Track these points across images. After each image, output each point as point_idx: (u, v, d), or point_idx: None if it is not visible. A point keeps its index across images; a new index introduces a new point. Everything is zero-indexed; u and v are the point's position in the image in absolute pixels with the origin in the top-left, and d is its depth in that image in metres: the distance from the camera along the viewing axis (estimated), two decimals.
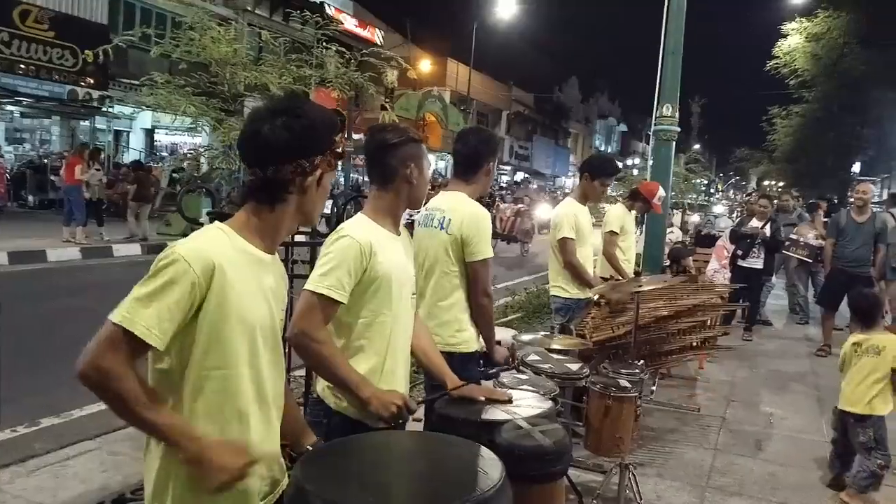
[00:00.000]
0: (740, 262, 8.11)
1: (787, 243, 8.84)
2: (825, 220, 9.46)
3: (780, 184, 36.76)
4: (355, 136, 20.74)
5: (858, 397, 3.99)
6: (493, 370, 3.18)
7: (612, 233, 5.56)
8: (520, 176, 45.96)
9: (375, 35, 28.33)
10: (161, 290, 1.45)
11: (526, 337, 4.18)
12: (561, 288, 4.74)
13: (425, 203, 3.24)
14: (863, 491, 3.91)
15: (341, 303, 2.11)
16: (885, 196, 25.31)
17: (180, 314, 1.47)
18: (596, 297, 4.72)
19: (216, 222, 1.64)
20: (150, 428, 1.49)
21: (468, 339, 3.02)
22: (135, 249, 12.30)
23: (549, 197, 28.73)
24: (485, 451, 1.74)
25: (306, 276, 2.24)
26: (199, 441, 1.49)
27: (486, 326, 3.07)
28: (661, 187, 6.11)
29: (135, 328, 1.42)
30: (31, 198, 16.87)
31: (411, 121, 25.28)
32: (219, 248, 1.55)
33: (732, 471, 4.34)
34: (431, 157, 31.37)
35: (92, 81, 17.41)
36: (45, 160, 17.56)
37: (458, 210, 2.98)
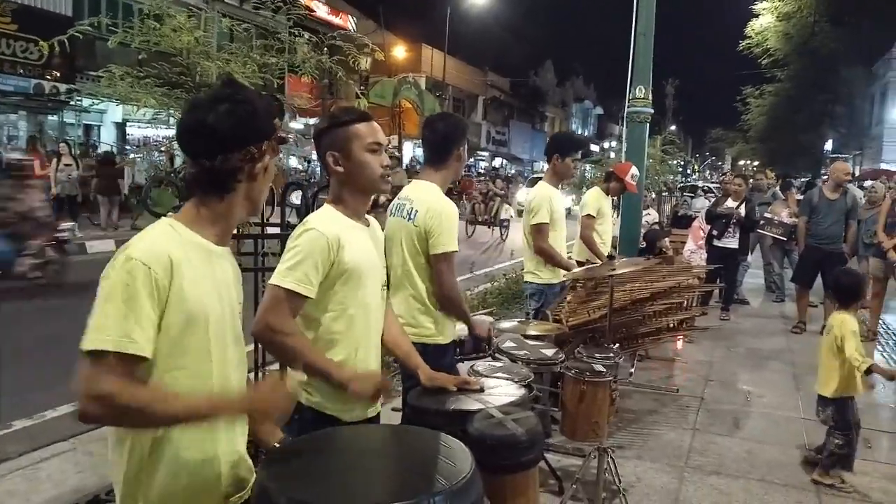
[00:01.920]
0: (715, 242, 8.16)
1: (761, 222, 8.92)
2: (798, 198, 9.54)
3: (755, 163, 37.12)
4: None
5: (823, 378, 4.02)
6: (469, 356, 3.18)
7: (589, 216, 5.55)
8: (498, 161, 45.92)
9: (348, 22, 28.02)
10: (131, 302, 1.41)
11: (504, 324, 4.17)
12: (533, 273, 4.71)
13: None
14: (828, 469, 3.94)
15: (308, 297, 2.06)
16: (857, 173, 25.73)
17: (157, 318, 1.44)
18: (570, 282, 4.71)
19: (164, 217, 1.60)
20: (175, 419, 1.46)
21: (442, 331, 2.99)
22: (109, 246, 12.06)
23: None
24: (454, 443, 1.71)
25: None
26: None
27: (460, 314, 3.04)
28: (633, 166, 6.10)
29: (124, 347, 1.39)
30: None
31: (387, 108, 25.10)
32: (170, 243, 1.51)
33: (711, 450, 4.38)
34: (408, 145, 31.25)
35: (58, 75, 17.03)
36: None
37: (423, 201, 2.92)
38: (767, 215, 9.03)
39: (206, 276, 1.56)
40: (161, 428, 1.49)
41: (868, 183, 10.53)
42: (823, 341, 4.07)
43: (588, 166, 10.22)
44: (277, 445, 1.76)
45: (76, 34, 3.45)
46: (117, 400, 1.36)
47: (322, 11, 25.78)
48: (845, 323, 3.90)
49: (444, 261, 2.89)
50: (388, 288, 2.48)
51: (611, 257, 5.62)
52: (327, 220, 2.16)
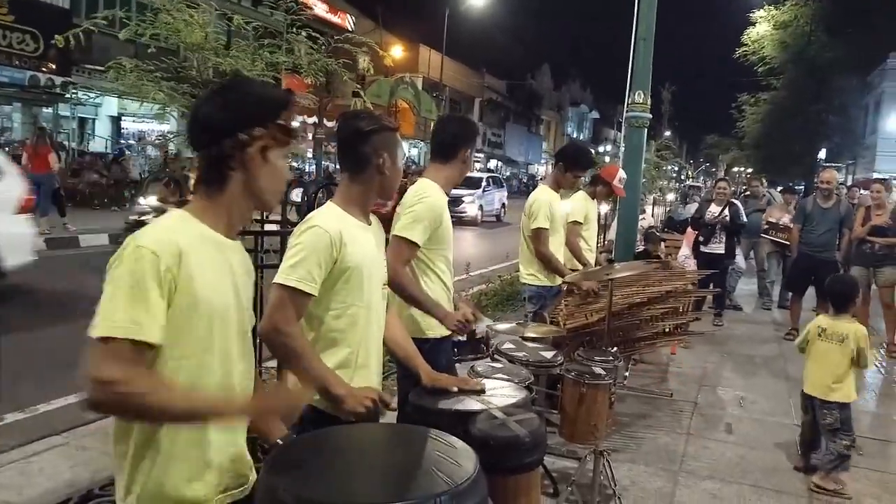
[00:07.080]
0: (703, 248, 8.20)
1: (765, 227, 8.94)
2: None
3: (749, 170, 37.25)
4: (328, 124, 20.46)
5: (824, 383, 4.05)
6: (468, 357, 3.18)
7: (576, 223, 5.28)
8: (493, 163, 45.97)
9: (346, 21, 28.02)
10: (138, 288, 1.41)
11: (501, 326, 4.17)
12: (533, 276, 4.70)
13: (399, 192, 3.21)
14: (830, 472, 3.98)
15: (312, 295, 2.06)
16: (850, 182, 25.88)
17: (165, 305, 1.44)
18: (567, 286, 4.71)
19: (175, 209, 1.61)
20: (179, 412, 1.47)
21: (428, 325, 2.95)
22: (102, 240, 12.03)
23: None
24: (458, 443, 1.72)
25: (277, 266, 2.19)
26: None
27: (414, 303, 2.87)
28: (621, 169, 5.77)
29: (132, 334, 1.38)
30: None
31: (383, 108, 25.06)
32: (181, 233, 1.51)
33: (704, 454, 4.40)
34: (404, 145, 31.26)
35: (54, 67, 16.94)
36: (7, 148, 17.07)
37: (410, 191, 2.95)
38: (772, 220, 9.04)
39: (217, 267, 1.57)
40: (164, 423, 1.49)
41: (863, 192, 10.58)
42: (834, 349, 4.05)
43: None
44: (281, 442, 1.76)
45: (90, 28, 3.42)
46: (124, 386, 1.35)
47: (320, 10, 25.73)
48: (860, 335, 4.00)
49: (397, 244, 2.82)
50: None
51: (610, 261, 5.59)
52: (330, 218, 2.16)
